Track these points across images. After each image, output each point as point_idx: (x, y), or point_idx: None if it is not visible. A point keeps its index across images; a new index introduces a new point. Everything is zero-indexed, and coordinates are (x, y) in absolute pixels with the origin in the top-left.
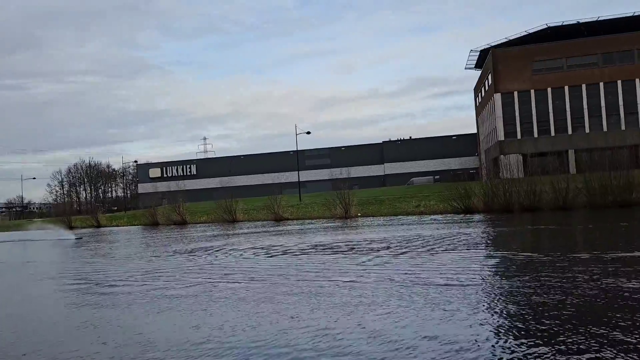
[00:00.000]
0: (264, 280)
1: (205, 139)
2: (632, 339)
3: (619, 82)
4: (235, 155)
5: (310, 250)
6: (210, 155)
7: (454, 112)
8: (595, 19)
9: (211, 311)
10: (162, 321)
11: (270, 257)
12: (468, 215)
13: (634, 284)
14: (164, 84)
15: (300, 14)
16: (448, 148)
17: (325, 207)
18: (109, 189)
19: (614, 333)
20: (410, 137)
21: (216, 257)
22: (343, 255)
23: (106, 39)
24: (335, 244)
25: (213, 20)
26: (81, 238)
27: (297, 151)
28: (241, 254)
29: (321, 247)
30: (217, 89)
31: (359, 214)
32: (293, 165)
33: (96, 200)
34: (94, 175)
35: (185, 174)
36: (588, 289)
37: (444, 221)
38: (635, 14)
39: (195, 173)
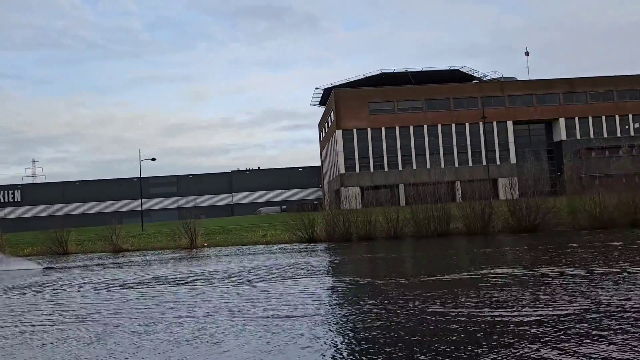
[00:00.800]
0: (94, 318)
1: (34, 161)
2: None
3: (439, 125)
4: (68, 180)
5: (151, 283)
6: (39, 180)
7: (301, 145)
8: (420, 70)
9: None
10: None
11: (108, 291)
12: (312, 244)
13: (449, 308)
14: None
15: (149, 37)
16: (294, 179)
17: (170, 237)
18: None
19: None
20: (259, 167)
21: (35, 294)
22: (184, 288)
23: None
24: (177, 276)
25: (49, 33)
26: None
27: (140, 178)
28: (77, 289)
29: (162, 280)
30: (53, 108)
31: (206, 244)
32: (136, 193)
33: None
34: None
35: (6, 200)
36: (414, 311)
37: (289, 250)
38: (451, 68)
39: (19, 200)
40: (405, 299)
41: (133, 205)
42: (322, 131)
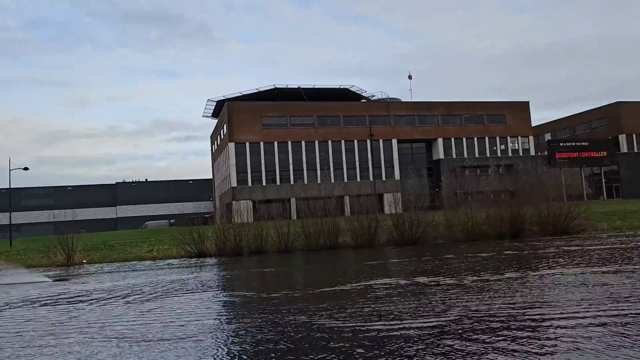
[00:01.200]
0: None
1: None
2: None
3: (330, 141)
4: None
5: (18, 304)
6: None
7: (192, 157)
8: (312, 87)
9: None
10: None
11: None
12: (201, 259)
13: (330, 322)
14: None
15: (26, 36)
16: (184, 192)
17: (44, 253)
18: None
19: None
20: (146, 179)
21: None
22: (55, 309)
23: None
24: (48, 296)
25: None
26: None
27: (10, 189)
28: None
29: (30, 301)
30: None
31: (85, 261)
32: (4, 206)
33: None
34: None
35: None
36: (302, 324)
37: (178, 266)
38: (342, 87)
39: None
40: (294, 312)
41: (1, 218)
42: (214, 143)
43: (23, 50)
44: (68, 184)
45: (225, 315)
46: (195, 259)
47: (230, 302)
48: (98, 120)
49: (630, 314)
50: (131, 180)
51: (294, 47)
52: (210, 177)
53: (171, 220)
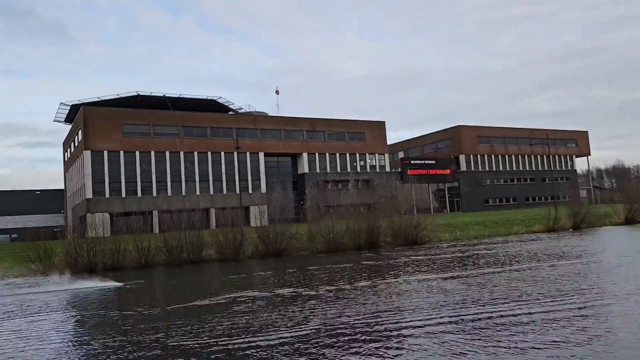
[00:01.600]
0: None
1: None
2: None
3: (196, 152)
4: None
5: None
6: None
7: (42, 165)
8: (178, 96)
9: None
10: None
11: None
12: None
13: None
14: None
15: None
16: (30, 203)
17: None
18: None
19: None
20: None
21: None
22: None
23: None
24: None
25: None
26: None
27: None
28: None
29: None
30: None
31: None
32: None
33: None
34: None
35: None
36: (156, 343)
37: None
38: (209, 98)
39: None
40: (150, 331)
41: None
42: (67, 151)
43: None
44: None
45: (79, 338)
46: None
47: (82, 322)
48: None
49: (466, 317)
50: None
51: (160, 54)
52: (62, 187)
53: (13, 235)
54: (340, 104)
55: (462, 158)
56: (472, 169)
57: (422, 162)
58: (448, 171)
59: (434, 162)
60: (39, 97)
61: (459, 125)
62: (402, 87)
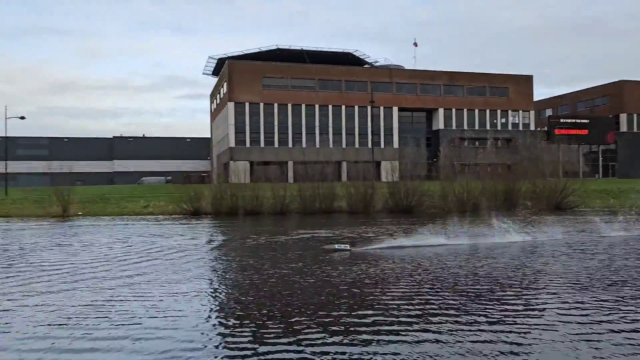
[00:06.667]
0: None
1: None
2: None
3: (330, 106)
4: None
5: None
6: None
7: (200, 116)
8: (315, 49)
9: None
10: None
11: None
12: (197, 217)
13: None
14: None
15: None
16: (182, 150)
17: (39, 203)
18: None
19: None
20: (144, 135)
21: None
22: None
23: None
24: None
25: None
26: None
27: (6, 138)
28: None
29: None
30: None
31: (80, 213)
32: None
33: None
34: None
35: None
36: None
37: (174, 223)
38: (345, 51)
39: None
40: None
41: None
42: (213, 102)
43: None
44: (65, 136)
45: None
46: (191, 216)
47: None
48: (108, 73)
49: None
50: (128, 136)
51: (313, 8)
52: (209, 136)
53: (167, 177)
54: (489, 56)
55: (622, 117)
56: (635, 129)
57: (574, 121)
58: (605, 132)
59: (587, 121)
60: (202, 52)
61: (621, 80)
62: (565, 38)
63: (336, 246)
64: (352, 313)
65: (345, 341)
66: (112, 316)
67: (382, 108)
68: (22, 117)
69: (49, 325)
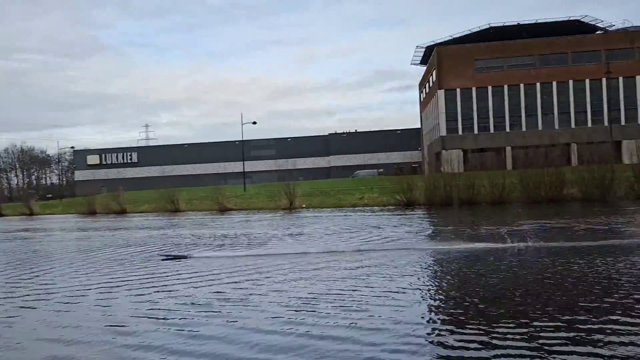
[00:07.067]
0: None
1: (147, 126)
2: None
3: (554, 83)
4: (178, 143)
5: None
6: (152, 142)
7: (408, 107)
8: (534, 22)
9: None
10: None
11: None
12: (410, 208)
13: None
14: (117, 66)
15: None
16: (392, 142)
17: (270, 198)
18: (43, 176)
19: None
20: (356, 130)
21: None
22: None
23: (60, 15)
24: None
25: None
26: None
27: (242, 141)
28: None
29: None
30: (173, 74)
31: (304, 205)
32: (238, 155)
33: (29, 186)
34: (27, 160)
35: (125, 161)
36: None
37: (390, 213)
38: (571, 19)
39: (136, 161)
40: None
41: (236, 167)
42: (422, 92)
43: (264, 11)
44: (288, 136)
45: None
46: (404, 207)
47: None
48: (322, 75)
49: None
50: (342, 132)
51: None
52: (419, 126)
53: (380, 170)
54: None
55: None
56: None
57: None
58: None
59: None
60: (409, 43)
61: None
62: None
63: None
64: (595, 318)
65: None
66: (346, 303)
67: (621, 79)
68: (254, 122)
69: (287, 307)
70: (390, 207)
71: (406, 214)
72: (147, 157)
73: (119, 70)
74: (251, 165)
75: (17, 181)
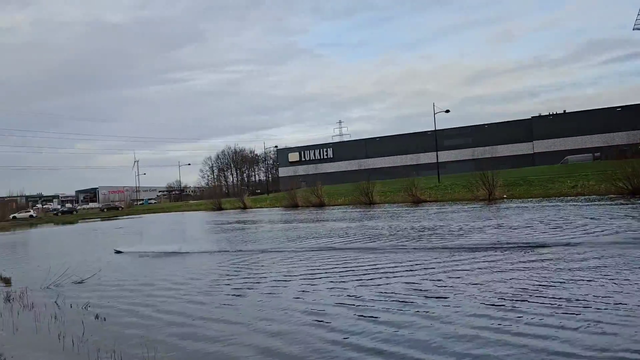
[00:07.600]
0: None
1: (340, 122)
2: None
3: None
4: (370, 137)
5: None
6: (345, 138)
7: (633, 79)
8: None
9: None
10: None
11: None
12: (638, 197)
13: None
14: (312, 68)
15: None
16: (611, 122)
17: (467, 188)
18: (252, 173)
19: None
20: (565, 111)
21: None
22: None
23: (261, 26)
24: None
25: None
26: None
27: (435, 131)
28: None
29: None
30: (364, 70)
31: (505, 196)
32: (431, 146)
33: (241, 183)
34: (239, 160)
35: (322, 157)
36: None
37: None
38: None
39: (331, 156)
40: None
41: (428, 158)
42: None
43: None
44: (485, 122)
45: None
46: (629, 196)
47: None
48: (522, 53)
49: None
50: (547, 114)
51: None
52: None
53: (596, 154)
54: None
55: None
56: None
57: None
58: None
59: None
60: (620, 7)
61: None
62: None
63: None
64: None
65: None
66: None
67: None
68: (447, 111)
69: (484, 304)
70: (612, 195)
71: (633, 204)
72: (341, 152)
73: (313, 71)
74: (445, 155)
75: (232, 179)
